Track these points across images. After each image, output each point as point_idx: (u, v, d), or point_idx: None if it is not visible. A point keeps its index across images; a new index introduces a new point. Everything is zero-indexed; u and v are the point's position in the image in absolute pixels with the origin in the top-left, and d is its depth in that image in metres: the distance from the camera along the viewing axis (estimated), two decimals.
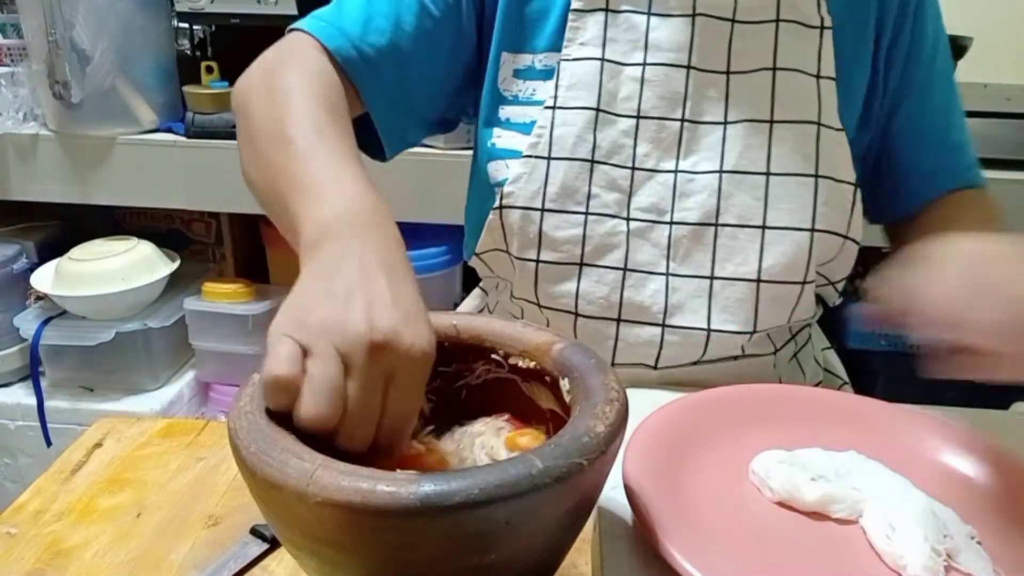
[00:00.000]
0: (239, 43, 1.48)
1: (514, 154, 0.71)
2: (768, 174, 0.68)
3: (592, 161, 0.69)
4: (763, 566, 0.47)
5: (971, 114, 1.22)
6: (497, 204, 0.72)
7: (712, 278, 0.70)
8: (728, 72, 0.69)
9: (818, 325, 0.91)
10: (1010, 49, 1.60)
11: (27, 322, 1.45)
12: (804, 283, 0.70)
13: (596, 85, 0.69)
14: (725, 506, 0.51)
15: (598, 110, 0.69)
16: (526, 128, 0.71)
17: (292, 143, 0.53)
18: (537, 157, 0.70)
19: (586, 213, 0.70)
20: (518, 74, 0.72)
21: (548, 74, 0.71)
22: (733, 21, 0.69)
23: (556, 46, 0.70)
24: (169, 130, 1.43)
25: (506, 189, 0.71)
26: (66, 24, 1.31)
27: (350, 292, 0.41)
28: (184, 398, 1.53)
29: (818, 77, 0.69)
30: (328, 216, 0.47)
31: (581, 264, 0.71)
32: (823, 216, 0.68)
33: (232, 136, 1.36)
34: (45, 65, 1.35)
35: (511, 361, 0.49)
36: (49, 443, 1.46)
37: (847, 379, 0.89)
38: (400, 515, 0.34)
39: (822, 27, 0.69)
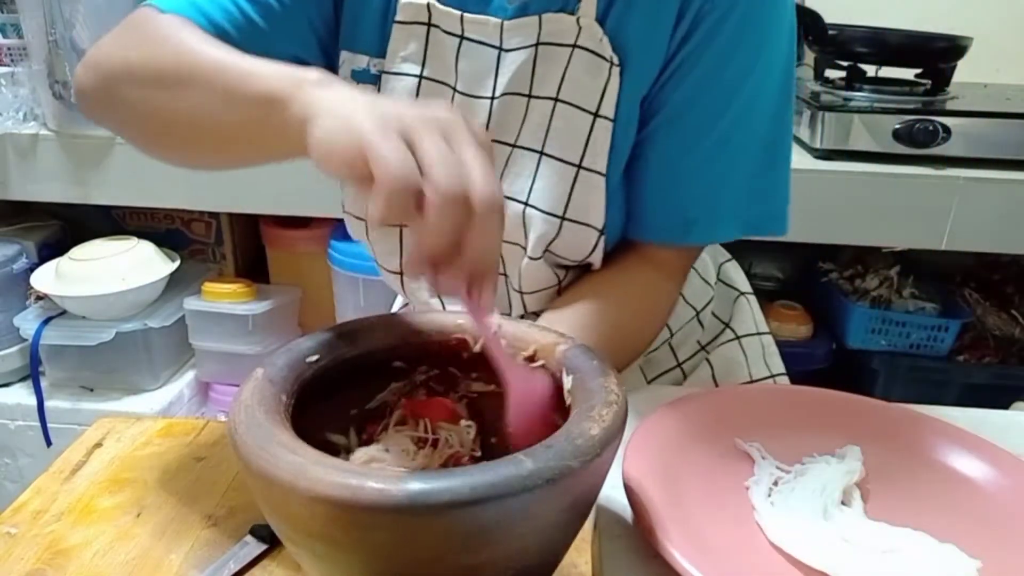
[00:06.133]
0: None
1: None
2: (526, 204, 0.69)
3: None
4: (762, 566, 0.47)
5: (971, 114, 1.24)
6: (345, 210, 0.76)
7: (506, 276, 0.74)
8: (529, 96, 0.68)
9: (725, 249, 0.90)
10: (1010, 49, 1.61)
11: (27, 322, 1.45)
12: (559, 284, 0.73)
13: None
14: (725, 506, 0.52)
15: None
16: None
17: (217, 61, 0.54)
18: None
19: (401, 225, 0.71)
20: (355, 75, 0.72)
21: (378, 80, 0.71)
22: (538, 44, 0.66)
23: (384, 53, 0.70)
24: None
25: (344, 200, 0.75)
26: (66, 24, 1.31)
27: (394, 103, 0.43)
28: (184, 398, 1.53)
29: (596, 115, 0.66)
30: (318, 74, 0.47)
31: (402, 273, 0.76)
32: (561, 251, 0.69)
33: None
34: (45, 65, 1.35)
35: (518, 361, 0.49)
36: (49, 443, 1.46)
37: (748, 290, 0.88)
38: (388, 512, 0.34)
39: (612, 63, 0.65)
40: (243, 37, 0.65)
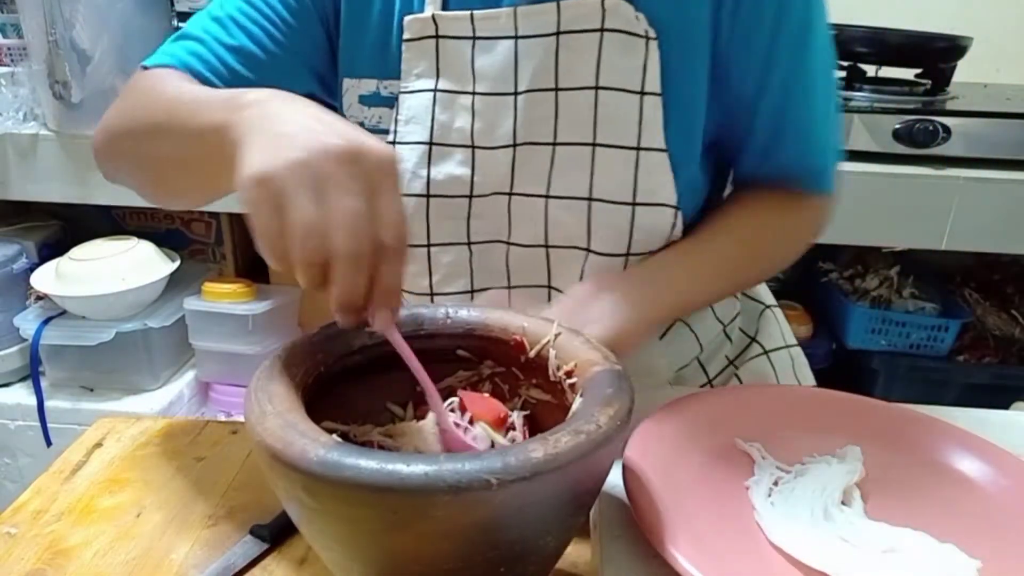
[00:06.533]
0: None
1: None
2: (590, 200, 0.67)
3: (428, 196, 0.69)
4: (762, 566, 0.47)
5: (971, 114, 1.24)
6: None
7: (549, 288, 0.72)
8: (556, 89, 0.66)
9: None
10: (1010, 49, 1.61)
11: (27, 322, 1.45)
12: None
13: (429, 118, 0.68)
14: (725, 506, 0.52)
15: (431, 144, 0.69)
16: None
17: (178, 100, 0.57)
18: None
19: (428, 245, 0.71)
20: (363, 100, 0.71)
21: (392, 101, 0.70)
22: (558, 34, 0.65)
23: (396, 74, 0.69)
24: None
25: None
26: (66, 24, 1.31)
27: (304, 126, 0.43)
28: (184, 398, 1.53)
29: (642, 94, 0.65)
30: (254, 95, 0.49)
31: (432, 295, 0.73)
32: (638, 242, 0.68)
33: None
34: (45, 65, 1.35)
35: (559, 374, 0.49)
36: (49, 443, 1.46)
37: (774, 301, 0.87)
38: (302, 472, 0.36)
39: (647, 38, 0.64)
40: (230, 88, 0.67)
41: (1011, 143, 1.25)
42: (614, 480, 0.48)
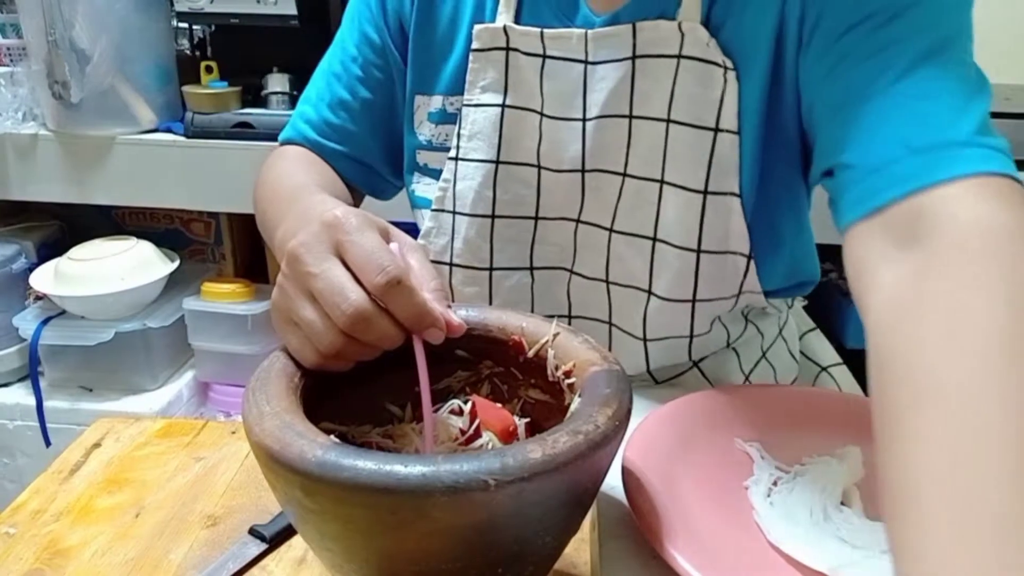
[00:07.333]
0: (239, 43, 1.48)
1: (428, 203, 0.71)
2: (654, 240, 0.64)
3: (492, 216, 0.68)
4: (762, 566, 0.47)
5: None
6: None
7: (610, 324, 0.70)
8: (631, 116, 0.62)
9: (802, 309, 0.87)
10: (1010, 49, 1.61)
11: (26, 322, 1.45)
12: (691, 336, 0.68)
13: (496, 135, 0.66)
14: (724, 506, 0.51)
15: (497, 162, 0.66)
16: (440, 176, 0.70)
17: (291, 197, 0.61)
18: (443, 211, 0.69)
19: (491, 269, 0.70)
20: (431, 117, 0.70)
21: (456, 118, 0.68)
22: (634, 58, 0.61)
23: (462, 88, 0.67)
24: (168, 130, 1.43)
25: (419, 241, 0.71)
26: (66, 24, 1.31)
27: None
28: (183, 398, 1.53)
29: (717, 131, 0.60)
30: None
31: None
32: (704, 290, 0.64)
33: (231, 136, 1.36)
34: (45, 65, 1.35)
35: (558, 374, 0.49)
36: (48, 443, 1.45)
37: (836, 360, 0.82)
38: (301, 473, 0.36)
39: (725, 67, 0.59)
40: (339, 139, 0.73)
41: (1011, 143, 1.24)
42: (614, 480, 0.48)
